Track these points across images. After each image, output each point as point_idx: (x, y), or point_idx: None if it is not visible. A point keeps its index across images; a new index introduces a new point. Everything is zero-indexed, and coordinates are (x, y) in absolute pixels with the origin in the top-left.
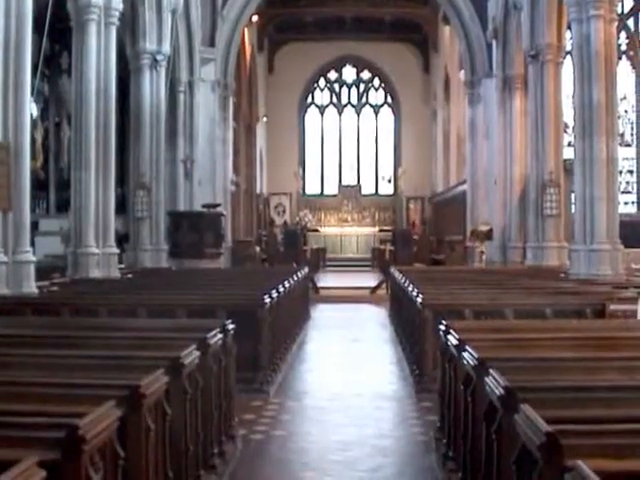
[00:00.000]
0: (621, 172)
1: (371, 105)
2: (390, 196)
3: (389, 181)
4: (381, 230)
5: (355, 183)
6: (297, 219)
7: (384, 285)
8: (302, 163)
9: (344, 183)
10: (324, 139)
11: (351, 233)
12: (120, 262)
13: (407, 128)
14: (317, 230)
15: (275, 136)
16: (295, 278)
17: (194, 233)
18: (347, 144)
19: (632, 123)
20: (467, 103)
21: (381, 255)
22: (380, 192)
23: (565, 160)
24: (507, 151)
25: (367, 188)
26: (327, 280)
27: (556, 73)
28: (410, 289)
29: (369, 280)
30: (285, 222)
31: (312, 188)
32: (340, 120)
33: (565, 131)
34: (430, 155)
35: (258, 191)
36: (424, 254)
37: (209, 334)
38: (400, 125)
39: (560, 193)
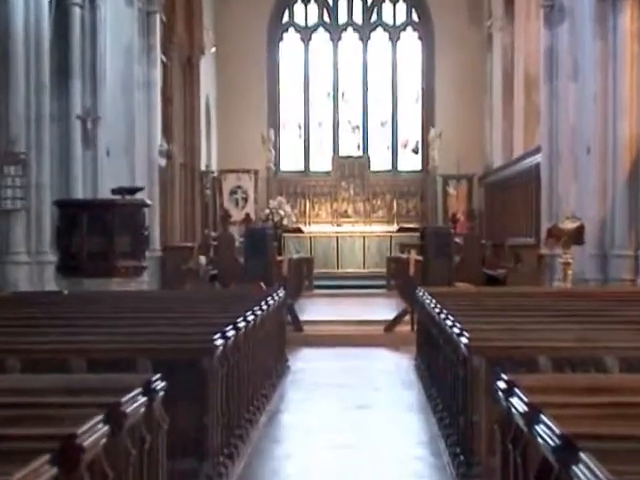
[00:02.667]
0: None
1: (386, 27)
2: (417, 173)
3: (415, 151)
4: (402, 229)
5: (360, 153)
6: (267, 212)
7: (407, 318)
8: (275, 122)
9: (342, 153)
10: (310, 82)
11: (354, 234)
12: None
13: (445, 64)
14: (299, 230)
15: (231, 78)
16: (264, 308)
17: (100, 235)
18: (347, 90)
19: None
20: (543, 22)
21: (402, 270)
22: (400, 168)
23: None
24: (609, 99)
25: (379, 161)
26: (316, 310)
27: None
28: (449, 324)
29: (383, 310)
30: (247, 217)
31: (291, 162)
32: (336, 52)
33: None
34: (481, 108)
35: (204, 167)
36: (473, 268)
37: (124, 398)
38: (433, 60)
39: None
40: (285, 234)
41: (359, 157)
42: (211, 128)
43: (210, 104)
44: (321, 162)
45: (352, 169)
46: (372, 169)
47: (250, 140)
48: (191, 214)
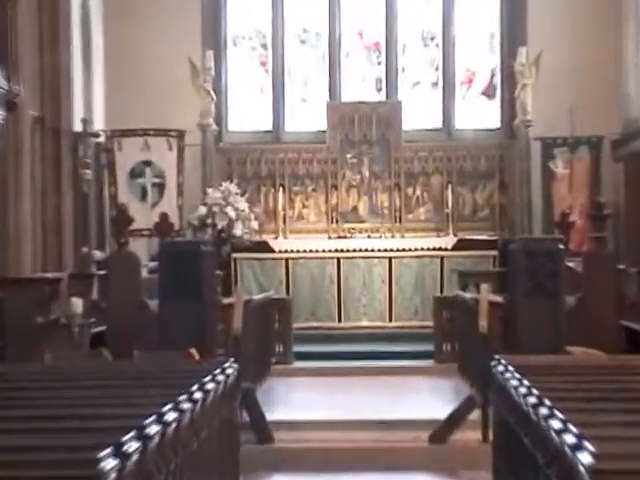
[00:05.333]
0: None
1: None
2: (492, 134)
3: (487, 93)
4: (464, 243)
5: (382, 98)
6: (203, 211)
7: (475, 416)
8: (216, 37)
9: (347, 98)
10: None
11: (371, 254)
12: None
13: None
14: (265, 246)
15: None
16: (198, 398)
17: None
18: None
19: None
20: None
21: (466, 323)
22: (459, 125)
23: None
24: None
25: (419, 114)
26: (297, 403)
27: None
28: (556, 427)
29: (427, 402)
30: (164, 220)
31: (248, 115)
32: None
33: None
34: (612, 11)
35: (79, 125)
36: (602, 317)
37: None
38: None
39: None
40: (238, 254)
41: (380, 104)
42: (92, 52)
43: (90, 5)
44: (307, 115)
45: (367, 128)
46: (405, 128)
47: (168, 74)
48: (55, 216)
